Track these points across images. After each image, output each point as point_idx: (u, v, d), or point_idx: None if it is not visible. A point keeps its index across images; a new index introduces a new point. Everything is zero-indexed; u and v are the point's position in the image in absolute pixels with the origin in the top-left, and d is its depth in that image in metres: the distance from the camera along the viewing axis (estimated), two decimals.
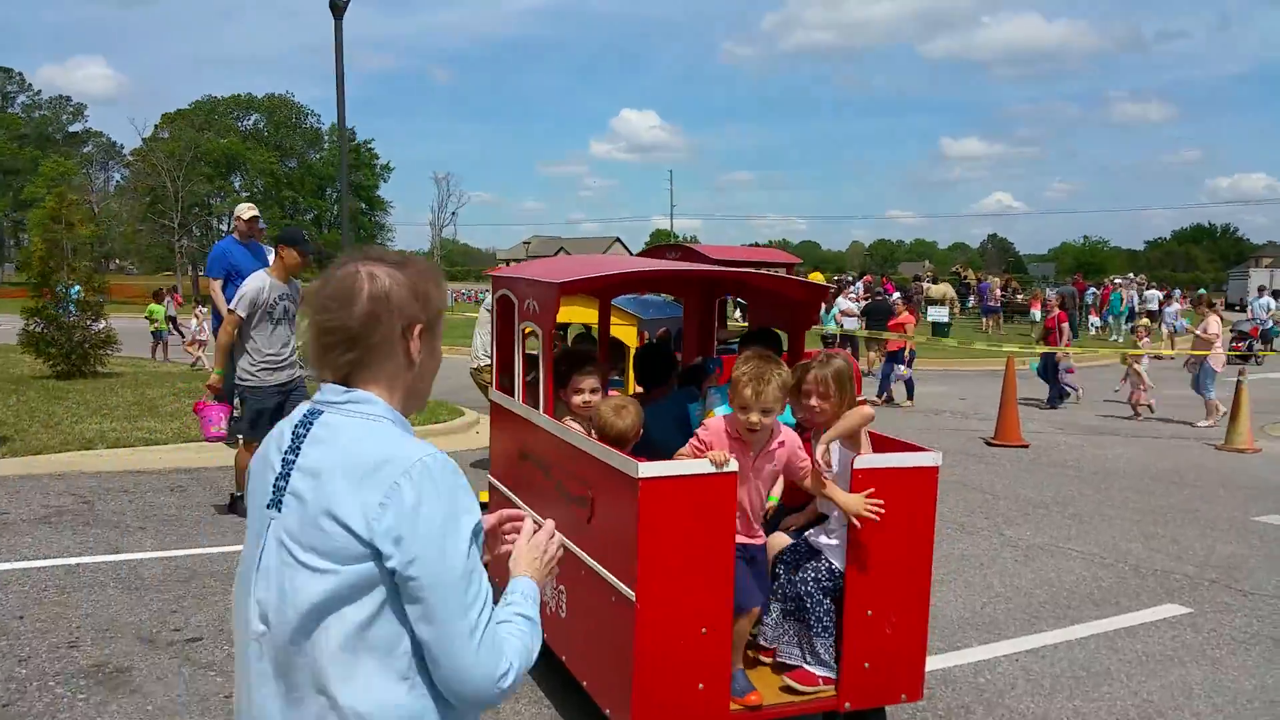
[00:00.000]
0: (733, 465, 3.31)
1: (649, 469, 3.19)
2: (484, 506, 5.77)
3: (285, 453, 1.70)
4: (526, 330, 4.46)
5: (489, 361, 5.32)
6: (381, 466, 1.61)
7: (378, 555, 1.58)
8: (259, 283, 6.71)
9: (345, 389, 1.71)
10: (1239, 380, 11.61)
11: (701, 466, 3.27)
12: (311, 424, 1.70)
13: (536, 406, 4.23)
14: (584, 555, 3.70)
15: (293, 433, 1.71)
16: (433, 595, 1.58)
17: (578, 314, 8.21)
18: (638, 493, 3.18)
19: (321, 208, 71.49)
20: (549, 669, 4.51)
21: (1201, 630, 5.42)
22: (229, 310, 6.71)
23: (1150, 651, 5.10)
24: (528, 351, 4.64)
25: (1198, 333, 13.58)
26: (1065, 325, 14.94)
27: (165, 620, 5.07)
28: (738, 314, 18.30)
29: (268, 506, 1.69)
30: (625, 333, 8.59)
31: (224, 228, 62.13)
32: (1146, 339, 15.62)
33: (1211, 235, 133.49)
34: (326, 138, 72.87)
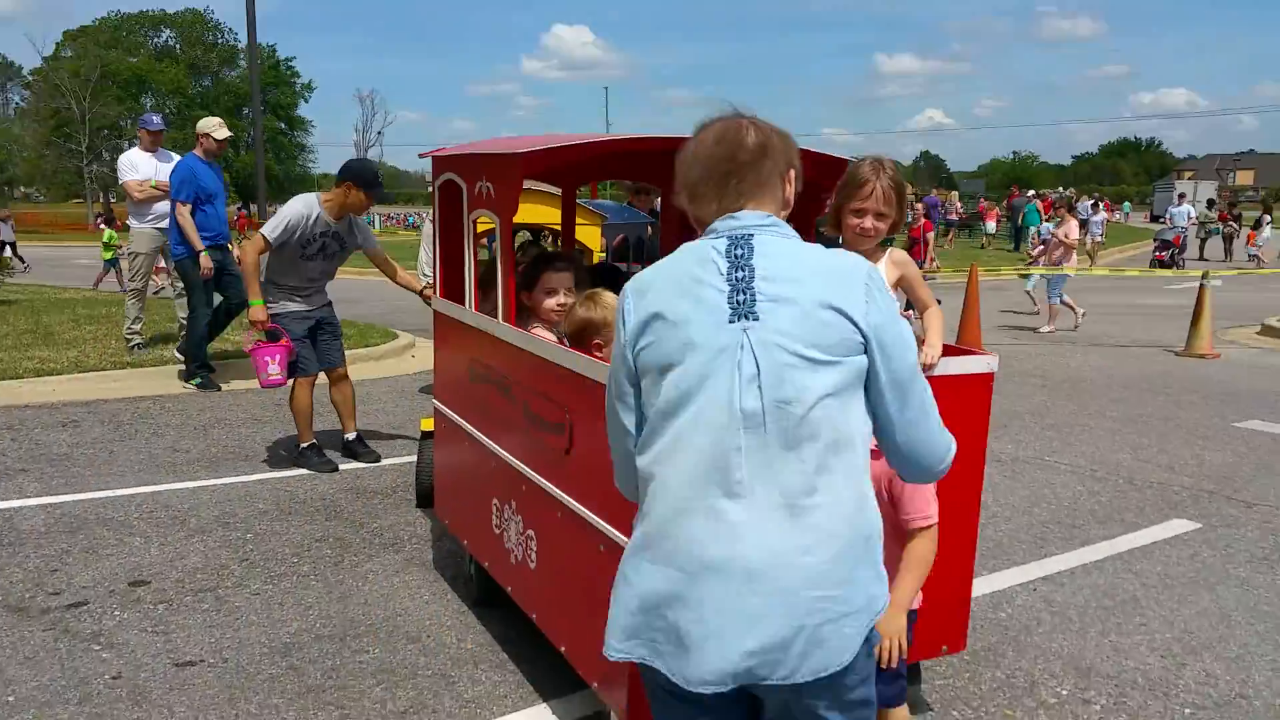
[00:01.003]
0: None
1: None
2: (428, 435, 5.00)
3: (731, 271, 1.71)
4: (479, 223, 3.64)
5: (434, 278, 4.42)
6: (849, 271, 1.72)
7: (866, 346, 1.69)
8: (305, 210, 5.63)
9: (762, 214, 1.77)
10: (1201, 284, 11.34)
11: None
12: (749, 244, 1.73)
13: (494, 314, 3.46)
14: (561, 494, 2.99)
15: (728, 254, 1.73)
16: (906, 383, 1.74)
17: (536, 213, 6.95)
18: None
19: (238, 128, 68.00)
20: (513, 628, 3.83)
21: (1217, 547, 4.98)
22: (258, 234, 5.64)
23: (1172, 573, 4.62)
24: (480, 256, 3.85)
25: (1060, 236, 13.09)
26: (930, 235, 14.32)
27: (41, 582, 4.26)
28: None
29: (732, 321, 1.68)
30: (589, 235, 7.09)
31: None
32: (1040, 247, 15.20)
33: (1137, 149, 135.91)
34: (242, 55, 69.13)
